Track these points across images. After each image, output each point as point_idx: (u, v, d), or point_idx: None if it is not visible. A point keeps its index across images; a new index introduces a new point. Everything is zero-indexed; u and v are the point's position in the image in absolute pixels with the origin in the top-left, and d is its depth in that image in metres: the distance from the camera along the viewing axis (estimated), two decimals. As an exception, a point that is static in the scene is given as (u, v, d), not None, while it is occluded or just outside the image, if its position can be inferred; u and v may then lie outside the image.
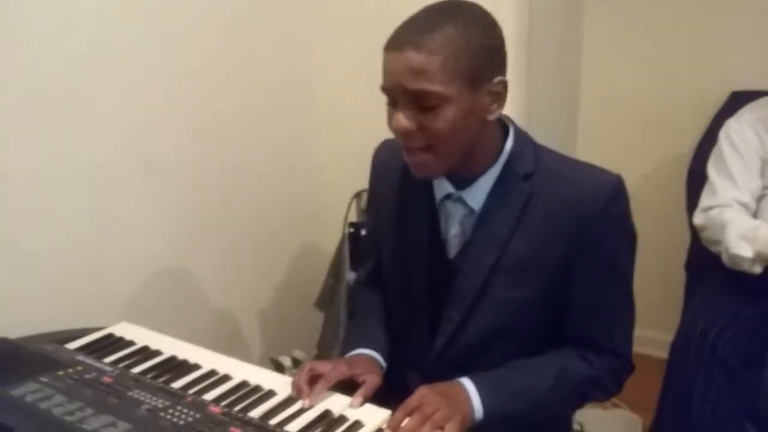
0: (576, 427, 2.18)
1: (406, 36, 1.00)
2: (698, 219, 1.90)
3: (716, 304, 1.75)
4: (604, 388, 1.19)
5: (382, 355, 1.26)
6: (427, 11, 1.03)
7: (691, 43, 2.57)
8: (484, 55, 1.03)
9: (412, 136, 1.04)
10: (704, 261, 2.19)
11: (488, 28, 1.05)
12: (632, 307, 1.19)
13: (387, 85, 1.04)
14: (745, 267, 1.69)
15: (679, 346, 1.73)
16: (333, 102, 2.22)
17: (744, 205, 1.81)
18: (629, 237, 1.16)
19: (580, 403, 1.27)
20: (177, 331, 1.34)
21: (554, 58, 2.48)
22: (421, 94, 1.00)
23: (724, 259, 1.76)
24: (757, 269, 1.68)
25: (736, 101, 2.25)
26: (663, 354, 1.79)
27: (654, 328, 2.47)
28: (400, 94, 1.02)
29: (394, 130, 1.06)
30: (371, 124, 1.27)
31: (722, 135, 1.94)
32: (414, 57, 0.98)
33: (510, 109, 1.98)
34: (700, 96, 2.49)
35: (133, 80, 1.60)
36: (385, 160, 1.32)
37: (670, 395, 1.74)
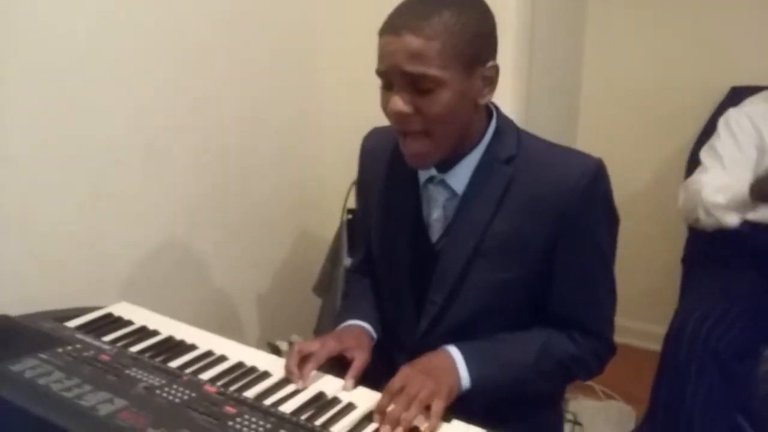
0: (569, 417, 2.20)
1: (404, 20, 1.02)
2: (680, 196, 1.89)
3: (710, 298, 1.76)
4: (587, 368, 1.21)
5: (372, 324, 1.28)
6: None
7: (691, 38, 2.58)
8: (479, 40, 1.05)
9: (408, 120, 1.06)
10: (700, 255, 2.20)
11: (483, 13, 1.08)
12: (614, 289, 1.21)
13: (384, 68, 1.05)
14: (720, 216, 1.70)
15: (671, 338, 1.74)
16: (333, 89, 2.23)
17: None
18: (611, 220, 1.17)
19: (564, 380, 1.29)
20: (175, 314, 1.36)
21: (555, 51, 2.48)
22: (419, 77, 1.02)
23: (702, 217, 1.77)
24: (733, 219, 1.70)
25: (736, 96, 2.26)
26: (657, 347, 1.80)
27: (649, 321, 2.50)
28: (397, 77, 1.03)
29: (390, 113, 1.07)
30: (371, 110, 1.27)
31: (721, 122, 1.95)
32: (412, 41, 1.00)
33: (510, 101, 2.01)
34: (700, 91, 2.50)
35: (135, 63, 1.61)
36: (373, 147, 1.34)
37: (662, 387, 1.75)
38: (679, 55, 2.60)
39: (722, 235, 1.83)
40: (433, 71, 1.01)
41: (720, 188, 1.73)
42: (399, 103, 1.04)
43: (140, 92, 1.63)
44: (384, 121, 1.29)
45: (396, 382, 1.03)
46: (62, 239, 1.50)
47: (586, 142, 2.80)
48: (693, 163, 2.45)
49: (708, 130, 2.30)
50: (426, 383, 1.02)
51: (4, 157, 1.37)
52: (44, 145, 1.44)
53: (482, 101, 1.10)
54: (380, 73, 1.07)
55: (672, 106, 2.64)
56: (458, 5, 1.03)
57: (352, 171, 1.87)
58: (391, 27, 1.03)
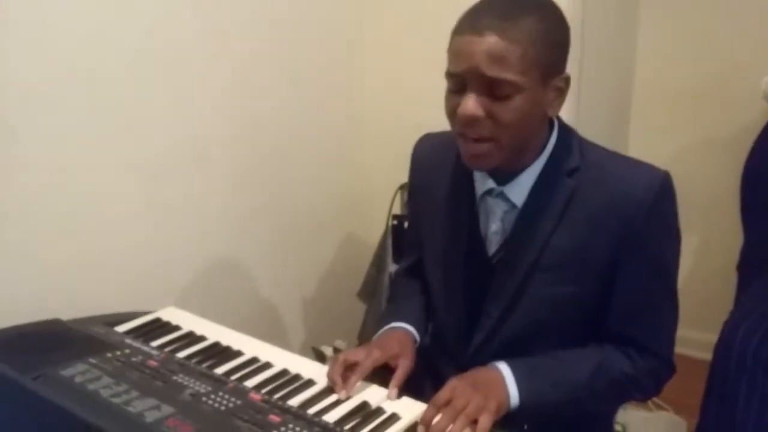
0: (618, 428, 2.15)
1: (488, 20, 0.98)
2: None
3: (761, 307, 1.70)
4: (643, 389, 1.17)
5: (415, 326, 1.26)
6: None
7: (749, 37, 2.49)
8: (557, 49, 1.04)
9: (479, 124, 1.02)
10: (756, 261, 2.13)
11: (563, 22, 1.06)
12: (676, 308, 1.17)
13: (460, 68, 1.01)
14: None
15: (720, 351, 1.68)
16: (380, 94, 2.23)
17: None
18: (675, 236, 1.13)
19: (619, 400, 1.25)
20: (222, 318, 1.37)
21: (606, 58, 2.43)
22: (498, 81, 0.98)
23: None
24: None
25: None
26: (710, 356, 1.74)
27: (702, 330, 2.42)
28: (474, 79, 0.99)
29: (459, 115, 1.02)
30: (416, 116, 1.26)
31: None
32: (496, 43, 0.97)
33: (561, 109, 1.97)
34: (755, 95, 2.40)
35: (186, 73, 1.63)
36: (425, 154, 1.32)
37: (712, 401, 1.70)
38: (737, 56, 2.52)
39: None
40: (514, 76, 0.98)
41: None
42: (472, 105, 1.00)
43: (189, 103, 1.66)
44: (426, 128, 1.27)
45: (443, 394, 1.01)
46: (114, 245, 1.53)
47: (638, 143, 2.75)
48: (750, 167, 2.38)
49: (765, 136, 2.22)
50: (474, 397, 1.00)
51: (60, 166, 1.40)
52: (99, 154, 1.47)
53: (551, 112, 1.08)
54: (454, 74, 1.03)
55: (728, 108, 2.56)
56: (542, 11, 1.01)
57: (397, 177, 1.87)
58: (472, 26, 0.99)
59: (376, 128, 2.26)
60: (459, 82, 1.02)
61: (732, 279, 2.29)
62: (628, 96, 2.80)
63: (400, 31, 2.11)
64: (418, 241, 1.34)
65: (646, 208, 1.06)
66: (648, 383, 1.16)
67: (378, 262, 2.08)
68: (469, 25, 1.00)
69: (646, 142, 2.70)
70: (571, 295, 1.12)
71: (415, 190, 1.37)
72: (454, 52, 1.02)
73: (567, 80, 1.07)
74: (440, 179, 1.25)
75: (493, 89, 0.99)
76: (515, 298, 1.14)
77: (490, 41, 0.97)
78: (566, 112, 1.99)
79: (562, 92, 1.07)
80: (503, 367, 1.09)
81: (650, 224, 1.07)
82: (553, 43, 1.02)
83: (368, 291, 2.10)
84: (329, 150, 2.15)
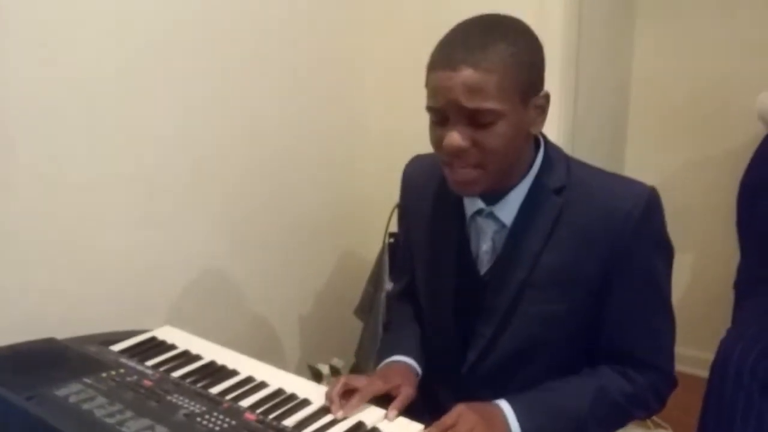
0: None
1: (461, 53, 0.99)
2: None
3: (758, 326, 1.70)
4: (646, 405, 1.17)
5: (417, 362, 1.26)
6: (474, 27, 1.03)
7: (745, 51, 2.50)
8: (532, 69, 1.04)
9: (466, 154, 1.03)
10: (752, 280, 2.13)
11: (533, 42, 1.06)
12: (672, 320, 1.17)
13: (439, 104, 1.02)
14: None
15: (716, 370, 1.68)
16: (377, 111, 2.24)
17: None
18: (665, 250, 1.14)
19: (621, 422, 1.24)
20: (218, 335, 1.37)
21: (602, 74, 2.45)
22: (478, 111, 0.99)
23: None
24: None
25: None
26: (707, 373, 1.74)
27: (700, 348, 2.42)
28: (455, 112, 1.01)
29: (446, 148, 1.03)
30: (414, 133, 1.27)
31: None
32: (471, 75, 0.98)
33: (556, 126, 1.99)
34: (753, 109, 2.42)
35: (184, 85, 1.64)
36: (415, 176, 1.33)
37: (710, 419, 1.69)
38: (733, 70, 2.53)
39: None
40: (493, 105, 0.99)
41: None
42: (457, 138, 1.01)
43: (187, 114, 1.66)
44: (426, 144, 1.28)
45: (449, 418, 1.02)
46: (109, 262, 1.53)
47: (634, 161, 2.76)
48: (746, 183, 2.39)
49: (763, 149, 2.23)
50: (477, 425, 1.00)
51: (52, 183, 1.40)
52: (93, 169, 1.48)
53: (535, 130, 1.08)
54: (434, 109, 1.04)
55: (722, 129, 2.57)
56: (511, 35, 1.02)
57: (394, 194, 1.86)
58: (446, 61, 1.00)
59: (373, 144, 2.27)
60: (441, 115, 1.04)
61: (729, 297, 2.29)
62: (624, 113, 2.81)
63: (401, 48, 2.11)
64: (410, 263, 1.34)
65: (634, 222, 1.07)
66: (649, 399, 1.16)
67: (375, 280, 2.08)
68: (442, 60, 1.01)
69: (642, 160, 2.71)
70: (563, 312, 1.13)
71: (406, 211, 1.37)
72: (431, 88, 1.04)
73: (547, 97, 1.08)
74: (430, 200, 1.26)
75: (475, 119, 1.00)
76: (507, 317, 1.15)
77: (466, 74, 0.98)
78: (563, 131, 2.02)
79: (543, 110, 1.08)
80: (503, 404, 1.09)
81: (639, 239, 1.08)
82: (527, 64, 1.02)
83: (365, 308, 2.10)
84: (326, 165, 2.15)
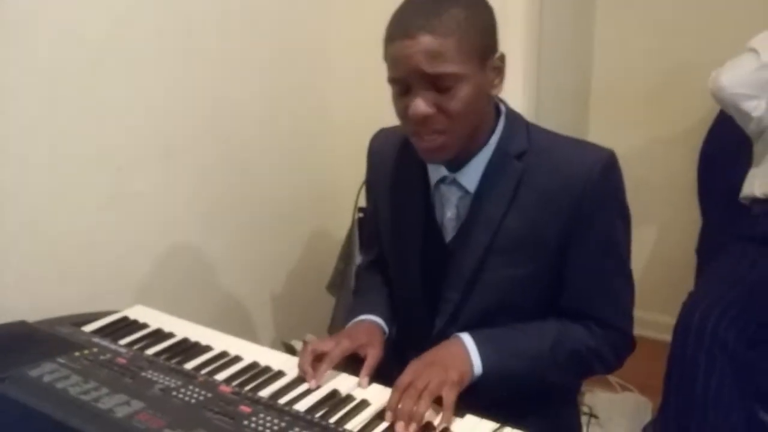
0: (585, 410, 2.19)
1: (417, 21, 1.01)
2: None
3: (718, 288, 1.75)
4: (604, 360, 1.19)
5: (383, 318, 1.28)
6: None
7: (702, 31, 2.55)
8: (487, 31, 1.07)
9: (432, 120, 1.05)
10: (713, 244, 2.19)
11: (485, 5, 1.09)
12: (631, 282, 1.20)
13: (401, 73, 1.04)
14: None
15: (679, 332, 1.73)
16: (342, 89, 2.24)
17: None
18: (623, 212, 1.17)
19: (580, 373, 1.26)
20: (190, 315, 1.37)
21: (564, 45, 2.48)
22: (439, 76, 1.01)
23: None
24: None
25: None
26: (671, 337, 1.80)
27: (664, 312, 2.48)
28: (417, 80, 1.03)
29: (412, 116, 1.05)
30: (380, 109, 1.28)
31: None
32: (430, 41, 1.00)
33: (520, 97, 2.01)
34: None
35: (151, 65, 1.62)
36: (380, 149, 1.34)
37: (673, 381, 1.75)
38: (691, 44, 2.58)
39: (734, 222, 1.83)
40: (453, 68, 1.01)
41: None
42: (422, 105, 1.03)
43: (154, 95, 1.65)
44: (392, 121, 1.30)
45: (404, 377, 1.03)
46: (78, 244, 1.52)
47: (598, 135, 2.79)
48: (705, 153, 2.45)
49: (720, 120, 2.29)
50: (434, 374, 1.02)
51: (19, 162, 1.39)
52: (59, 150, 1.46)
53: (495, 92, 1.11)
54: (396, 79, 1.06)
55: (684, 96, 2.62)
56: (463, 1, 1.04)
57: (363, 170, 1.88)
58: (404, 30, 1.02)
59: (341, 123, 2.27)
60: (403, 85, 1.06)
61: (692, 263, 2.36)
62: (586, 90, 2.85)
63: (366, 28, 2.10)
64: (378, 235, 1.36)
65: (593, 184, 1.10)
66: (608, 355, 1.19)
67: (345, 255, 2.10)
68: (400, 30, 1.03)
69: (605, 135, 2.74)
70: (527, 276, 1.15)
71: (372, 184, 1.39)
72: (392, 59, 1.05)
73: (502, 58, 1.10)
74: (395, 172, 1.27)
75: (437, 84, 1.02)
76: (472, 281, 1.17)
77: (425, 41, 1.00)
78: (526, 109, 2.05)
79: (500, 71, 1.10)
80: (465, 337, 1.12)
81: (598, 200, 1.11)
82: (481, 26, 1.05)
83: (336, 284, 2.12)
84: (293, 145, 2.15)
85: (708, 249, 2.29)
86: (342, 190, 2.20)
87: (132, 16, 1.56)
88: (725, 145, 2.27)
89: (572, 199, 1.10)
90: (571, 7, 2.55)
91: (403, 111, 1.08)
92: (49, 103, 1.42)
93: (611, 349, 1.19)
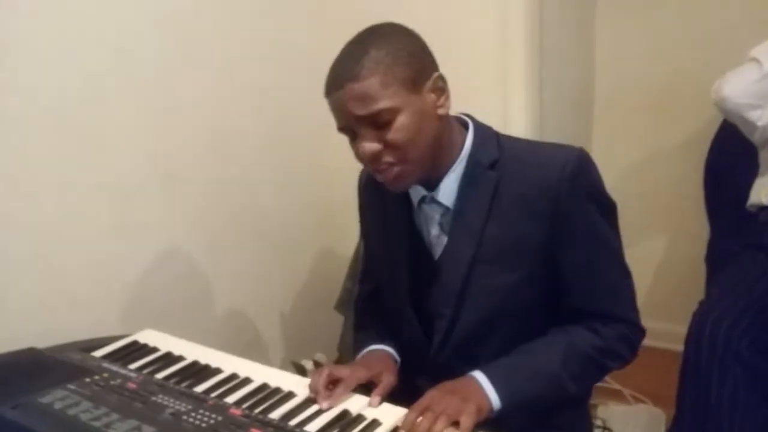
0: (599, 423, 2.18)
1: (341, 72, 1.07)
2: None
3: (729, 296, 1.74)
4: (618, 356, 1.19)
5: (394, 348, 1.30)
6: (347, 46, 1.11)
7: (703, 34, 2.56)
8: (413, 60, 1.08)
9: (381, 155, 1.09)
10: (722, 252, 2.18)
11: (405, 35, 1.12)
12: (627, 272, 1.21)
13: (342, 122, 1.11)
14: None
15: (691, 342, 1.72)
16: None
17: None
18: (603, 204, 1.17)
19: (598, 375, 1.25)
20: (200, 338, 1.37)
21: (566, 60, 2.48)
22: (373, 115, 1.06)
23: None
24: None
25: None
26: (683, 347, 1.78)
27: (675, 322, 2.47)
28: (356, 124, 1.08)
29: (363, 158, 1.11)
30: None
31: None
32: (353, 87, 1.05)
33: (524, 113, 2.02)
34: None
35: (152, 92, 1.64)
36: (366, 182, 1.38)
37: (687, 392, 1.73)
38: (697, 52, 2.58)
39: (742, 231, 1.82)
40: (383, 104, 1.05)
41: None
42: (366, 144, 1.08)
43: (156, 122, 1.66)
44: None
45: (422, 401, 1.04)
46: (87, 270, 1.52)
47: (602, 147, 2.80)
48: (711, 161, 2.45)
49: (725, 127, 2.28)
50: (452, 402, 1.03)
51: (28, 193, 1.40)
52: (66, 179, 1.47)
53: (442, 111, 1.12)
54: (341, 129, 1.12)
55: (688, 106, 2.62)
56: (379, 40, 1.08)
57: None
58: (332, 84, 1.08)
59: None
60: (349, 132, 1.12)
61: (701, 273, 2.34)
62: (589, 102, 2.85)
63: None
64: (372, 265, 1.39)
65: (567, 183, 1.11)
66: (620, 349, 1.19)
67: (353, 274, 2.09)
68: (329, 84, 1.09)
69: (609, 147, 2.76)
70: (517, 282, 1.16)
71: (363, 214, 1.42)
72: (332, 111, 1.12)
73: (440, 78, 1.12)
74: (382, 198, 1.29)
75: (375, 123, 1.07)
76: (462, 294, 1.18)
77: (350, 88, 1.05)
78: (530, 123, 2.06)
79: (442, 90, 1.12)
80: (478, 375, 1.12)
81: (574, 198, 1.12)
82: (405, 58, 1.07)
83: (345, 303, 2.11)
84: (297, 165, 2.16)
85: (717, 258, 2.28)
86: (347, 208, 2.19)
87: (132, 45, 1.58)
88: (731, 152, 2.26)
89: (549, 201, 1.12)
90: (571, 20, 2.56)
91: (357, 155, 1.13)
92: (54, 134, 1.44)
93: (621, 342, 1.19)
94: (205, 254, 1.84)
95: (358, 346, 1.34)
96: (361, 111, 1.05)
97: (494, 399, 1.08)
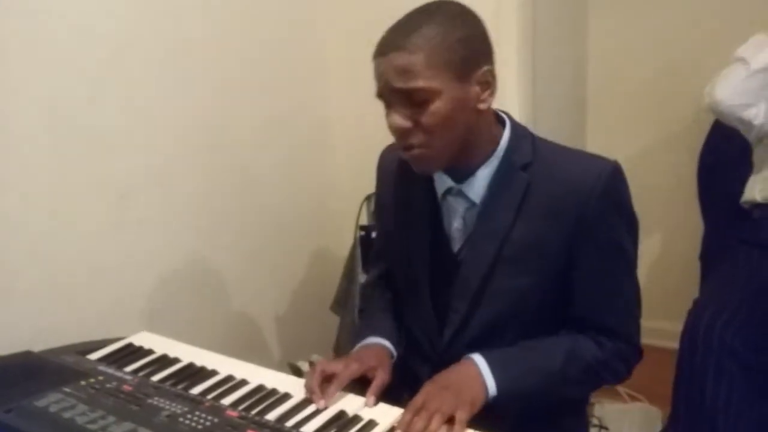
0: (594, 421, 2.18)
1: (390, 40, 1.06)
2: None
3: (723, 293, 1.75)
4: (614, 372, 1.20)
5: (391, 341, 1.29)
6: (407, 16, 1.09)
7: (696, 29, 2.56)
8: (465, 44, 1.06)
9: (409, 134, 1.08)
10: (717, 250, 2.19)
11: (465, 19, 1.09)
12: (638, 292, 1.21)
13: (379, 89, 1.09)
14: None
15: (686, 339, 1.73)
16: (344, 106, 2.25)
17: None
18: (630, 221, 1.17)
19: (592, 386, 1.28)
20: (196, 339, 1.37)
21: (559, 55, 2.49)
22: (411, 91, 1.04)
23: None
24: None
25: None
26: (678, 345, 1.79)
27: (670, 320, 2.48)
28: (391, 95, 1.07)
29: (390, 129, 1.09)
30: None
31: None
32: (398, 58, 1.04)
33: (517, 108, 2.01)
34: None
35: (149, 89, 1.64)
36: (387, 164, 1.36)
37: (682, 389, 1.74)
38: (685, 56, 2.58)
39: (736, 227, 1.82)
40: (423, 83, 1.03)
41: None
42: (397, 119, 1.07)
43: (153, 121, 1.66)
44: (392, 139, 1.31)
45: (418, 399, 1.04)
46: (81, 272, 1.52)
47: (596, 143, 2.80)
48: (705, 158, 2.45)
49: (719, 124, 2.28)
50: (447, 398, 1.03)
51: (22, 193, 1.40)
52: (60, 178, 1.47)
53: (482, 106, 1.11)
54: (378, 94, 1.10)
55: (681, 102, 2.62)
56: (439, 17, 1.06)
57: (363, 188, 1.88)
58: (379, 49, 1.07)
59: (341, 141, 2.28)
60: (384, 100, 1.10)
61: (696, 269, 2.35)
62: (583, 98, 2.86)
63: (365, 44, 2.12)
64: (385, 250, 1.36)
65: (597, 194, 1.11)
66: (618, 366, 1.19)
67: (348, 274, 2.09)
68: (377, 49, 1.08)
69: (603, 140, 2.76)
70: (534, 285, 1.16)
71: (381, 200, 1.40)
72: (375, 76, 1.10)
73: (491, 72, 1.10)
74: (402, 185, 1.28)
75: (410, 99, 1.05)
76: (480, 292, 1.18)
77: (393, 58, 1.04)
78: (523, 116, 2.06)
79: (488, 85, 1.10)
80: (478, 359, 1.12)
81: (603, 210, 1.11)
82: (457, 41, 1.05)
83: (341, 303, 2.11)
84: (295, 165, 2.16)
85: (711, 255, 2.29)
86: (343, 208, 2.20)
87: (129, 44, 1.58)
88: (724, 149, 2.27)
89: (578, 210, 1.11)
90: (564, 15, 2.56)
91: (388, 125, 1.11)
92: (50, 133, 1.44)
93: (620, 359, 1.19)
94: (200, 255, 1.84)
95: (358, 335, 1.33)
96: (398, 83, 1.04)
97: (491, 385, 1.08)
